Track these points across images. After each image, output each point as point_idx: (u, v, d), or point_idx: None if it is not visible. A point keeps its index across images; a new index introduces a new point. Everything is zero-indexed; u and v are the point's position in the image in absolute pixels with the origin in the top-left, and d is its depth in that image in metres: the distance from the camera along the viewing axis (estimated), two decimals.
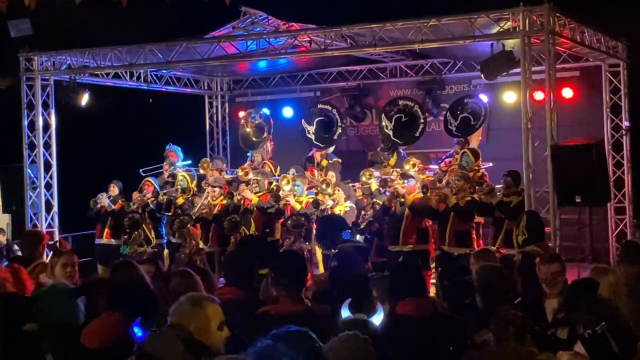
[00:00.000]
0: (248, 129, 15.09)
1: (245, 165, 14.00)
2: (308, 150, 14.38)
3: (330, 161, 13.88)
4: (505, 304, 5.26)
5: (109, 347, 3.55)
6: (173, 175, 13.99)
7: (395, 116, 13.51)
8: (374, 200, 11.96)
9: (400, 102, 13.80)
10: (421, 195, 11.32)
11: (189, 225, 12.28)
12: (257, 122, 15.06)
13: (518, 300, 5.77)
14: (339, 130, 14.15)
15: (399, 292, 5.21)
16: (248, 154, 14.81)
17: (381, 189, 11.99)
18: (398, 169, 12.32)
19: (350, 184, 13.07)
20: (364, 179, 12.41)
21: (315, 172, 13.62)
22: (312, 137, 14.22)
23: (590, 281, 5.27)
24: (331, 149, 14.46)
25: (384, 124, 13.54)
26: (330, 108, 14.50)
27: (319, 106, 14.69)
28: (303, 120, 14.45)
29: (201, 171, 13.88)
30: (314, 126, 14.25)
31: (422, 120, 13.38)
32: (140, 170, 14.05)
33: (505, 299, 5.49)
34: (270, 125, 14.88)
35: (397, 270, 5.58)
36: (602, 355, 4.00)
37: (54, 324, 4.69)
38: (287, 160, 14.51)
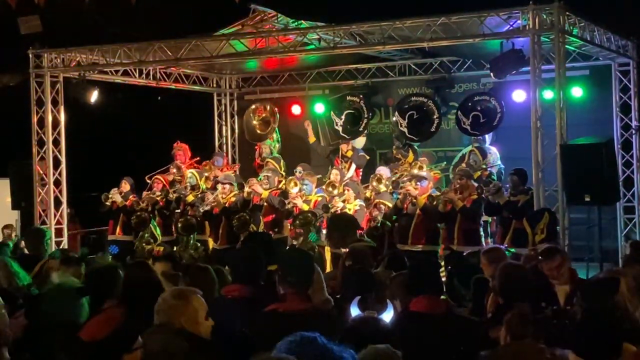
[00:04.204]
0: (254, 122, 15.15)
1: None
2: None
3: (357, 154, 14.00)
4: (524, 302, 5.23)
5: (104, 339, 3.57)
6: (178, 169, 14.09)
7: (409, 113, 13.53)
8: (377, 200, 11.93)
9: (413, 99, 13.82)
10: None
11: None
12: (263, 115, 15.12)
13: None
14: (365, 121, 14.25)
15: (414, 288, 5.18)
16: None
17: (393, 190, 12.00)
18: (411, 170, 12.32)
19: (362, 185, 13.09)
20: (374, 183, 12.37)
21: (340, 163, 13.75)
22: (340, 128, 14.32)
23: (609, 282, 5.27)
24: (359, 144, 14.52)
25: (398, 121, 13.56)
26: (358, 99, 14.61)
27: (348, 98, 14.76)
28: (332, 113, 14.59)
29: (206, 174, 14.00)
30: (343, 118, 14.37)
31: (436, 116, 13.40)
32: (146, 177, 14.12)
33: (525, 297, 5.46)
34: (276, 118, 14.96)
35: (415, 267, 5.56)
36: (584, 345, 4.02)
37: (60, 322, 4.69)
38: (294, 157, 14.57)
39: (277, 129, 15.21)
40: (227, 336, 4.39)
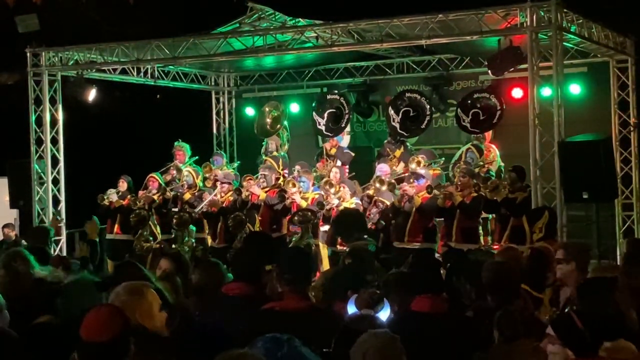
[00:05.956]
0: (268, 119, 15.18)
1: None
2: (315, 145, 14.45)
3: (342, 151, 14.06)
4: (516, 301, 5.22)
5: (114, 340, 3.58)
6: (179, 171, 14.06)
7: (403, 109, 13.52)
8: (376, 198, 11.92)
9: (407, 95, 13.81)
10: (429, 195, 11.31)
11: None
12: (276, 114, 15.14)
13: None
14: (346, 117, 14.26)
15: (416, 288, 5.16)
16: (263, 142, 14.95)
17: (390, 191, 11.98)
18: (410, 166, 12.30)
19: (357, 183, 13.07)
20: (377, 184, 12.34)
21: (326, 162, 13.77)
22: (323, 128, 14.32)
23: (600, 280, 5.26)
24: (344, 142, 14.50)
25: (391, 116, 13.56)
26: (338, 97, 14.59)
27: (328, 97, 14.73)
28: (314, 113, 14.52)
29: (206, 175, 13.99)
30: (325, 118, 14.35)
31: (427, 113, 13.38)
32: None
33: (515, 296, 5.44)
34: (285, 117, 15.00)
35: (416, 266, 5.54)
36: (570, 335, 3.96)
37: (79, 317, 4.67)
38: (293, 155, 14.59)
39: (288, 127, 15.19)
40: (197, 329, 4.41)
